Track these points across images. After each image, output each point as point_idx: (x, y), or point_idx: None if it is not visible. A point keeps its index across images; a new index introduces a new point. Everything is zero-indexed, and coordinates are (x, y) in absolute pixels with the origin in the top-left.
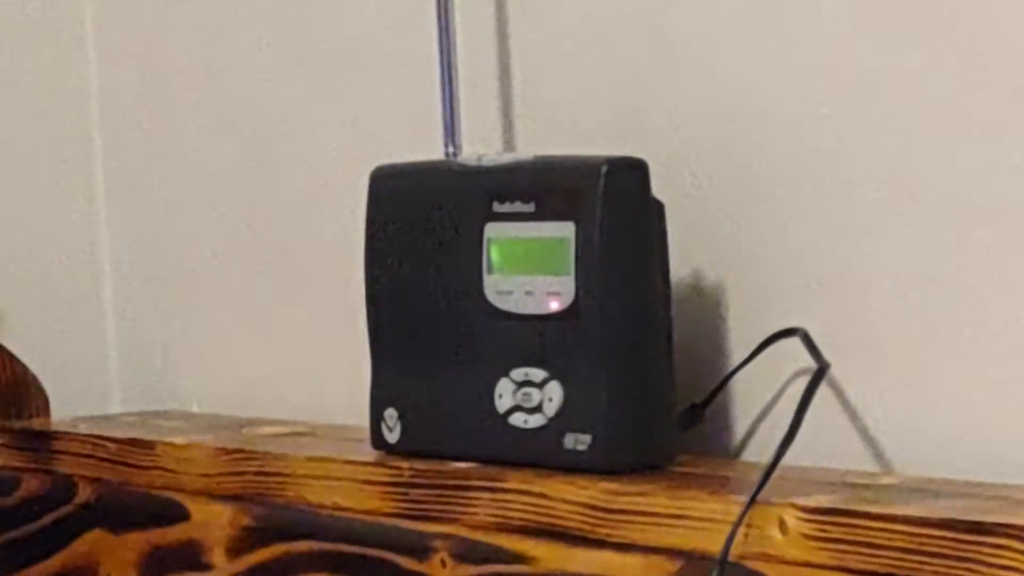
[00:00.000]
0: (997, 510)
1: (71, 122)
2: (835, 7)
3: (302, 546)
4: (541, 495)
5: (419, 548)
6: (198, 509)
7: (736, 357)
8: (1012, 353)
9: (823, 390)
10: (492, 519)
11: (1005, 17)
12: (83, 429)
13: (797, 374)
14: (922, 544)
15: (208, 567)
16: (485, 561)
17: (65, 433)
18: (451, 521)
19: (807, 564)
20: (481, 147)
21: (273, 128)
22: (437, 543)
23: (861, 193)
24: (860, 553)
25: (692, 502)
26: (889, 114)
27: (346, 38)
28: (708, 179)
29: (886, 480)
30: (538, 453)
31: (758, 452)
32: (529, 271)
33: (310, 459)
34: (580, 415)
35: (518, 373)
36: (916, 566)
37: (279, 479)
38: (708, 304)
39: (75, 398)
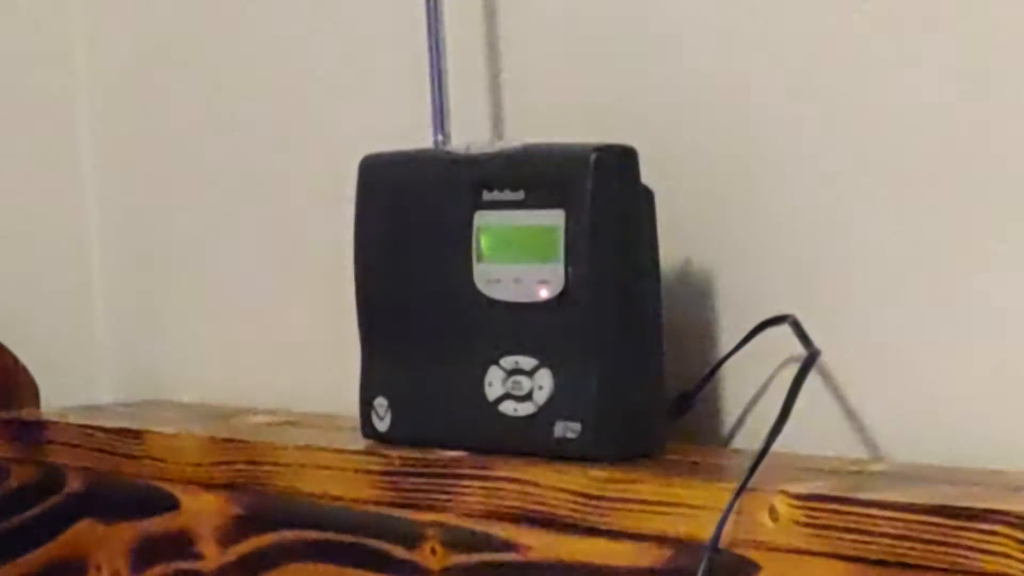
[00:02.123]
0: (987, 496)
1: (59, 112)
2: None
3: (292, 535)
4: (531, 483)
5: (410, 536)
6: (188, 499)
7: (726, 344)
8: (1001, 340)
9: (813, 377)
10: (482, 507)
11: (994, 10)
12: (73, 419)
13: (787, 361)
14: (912, 530)
15: (198, 556)
16: (476, 549)
17: (55, 423)
18: (441, 509)
19: (797, 551)
20: (470, 135)
21: (261, 117)
22: (428, 531)
23: (851, 181)
24: (850, 539)
25: (682, 489)
26: (879, 102)
27: (335, 26)
28: (698, 166)
29: (876, 467)
30: (528, 441)
31: (748, 439)
32: (518, 259)
33: (300, 448)
34: (570, 403)
35: (508, 361)
36: (906, 552)
37: (269, 468)
38: (698, 291)
39: (64, 388)
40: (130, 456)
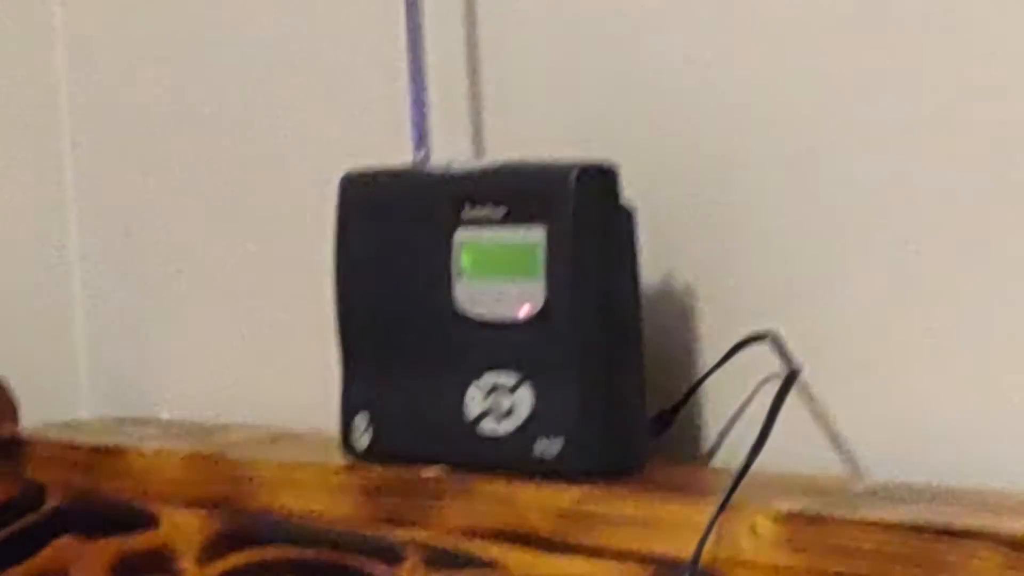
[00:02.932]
0: (968, 514)
1: (40, 130)
2: (809, 11)
3: (272, 552)
4: (512, 501)
5: (389, 554)
6: (168, 515)
7: (707, 362)
8: (983, 358)
9: (794, 395)
10: (463, 525)
11: (981, 25)
12: (52, 435)
13: (768, 379)
14: (893, 549)
15: (178, 573)
16: (455, 567)
17: (34, 439)
18: (422, 527)
19: (779, 569)
20: (451, 153)
21: (241, 133)
22: (407, 549)
23: (833, 198)
24: (832, 558)
25: (663, 507)
26: (862, 119)
27: (315, 43)
28: (679, 184)
29: (858, 485)
30: (509, 459)
31: (729, 457)
32: (499, 276)
33: (280, 465)
34: (551, 421)
35: (489, 378)
36: (888, 571)
37: (249, 485)
38: (679, 309)
39: (44, 404)
40: (110, 473)
